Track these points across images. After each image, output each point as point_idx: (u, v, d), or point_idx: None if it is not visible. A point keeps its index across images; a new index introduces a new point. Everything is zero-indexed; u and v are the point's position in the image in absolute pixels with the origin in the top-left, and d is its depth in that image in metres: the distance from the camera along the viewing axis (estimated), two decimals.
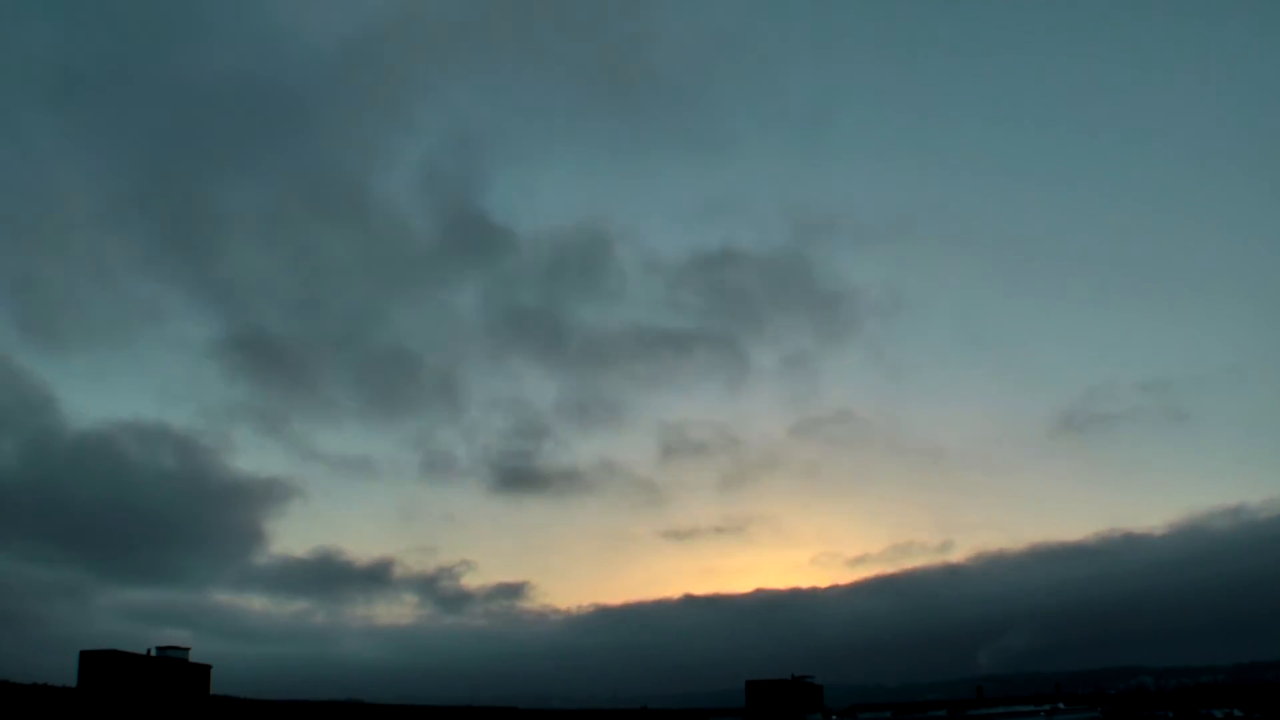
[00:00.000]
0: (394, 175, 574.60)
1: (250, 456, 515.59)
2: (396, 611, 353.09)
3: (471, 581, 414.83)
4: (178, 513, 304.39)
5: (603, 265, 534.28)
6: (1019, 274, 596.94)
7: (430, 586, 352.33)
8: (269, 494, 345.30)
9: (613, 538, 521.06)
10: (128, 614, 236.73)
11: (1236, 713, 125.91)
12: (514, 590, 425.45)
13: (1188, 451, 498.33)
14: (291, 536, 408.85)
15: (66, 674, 73.49)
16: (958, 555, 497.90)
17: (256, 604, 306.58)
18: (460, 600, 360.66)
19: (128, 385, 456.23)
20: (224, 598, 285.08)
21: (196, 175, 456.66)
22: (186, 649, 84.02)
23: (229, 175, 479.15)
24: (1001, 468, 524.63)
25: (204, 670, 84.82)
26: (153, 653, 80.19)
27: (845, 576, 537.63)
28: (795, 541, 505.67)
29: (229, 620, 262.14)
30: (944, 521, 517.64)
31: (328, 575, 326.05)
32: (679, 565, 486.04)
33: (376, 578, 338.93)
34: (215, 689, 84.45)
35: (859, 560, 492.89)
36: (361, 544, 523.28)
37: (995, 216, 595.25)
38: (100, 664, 73.98)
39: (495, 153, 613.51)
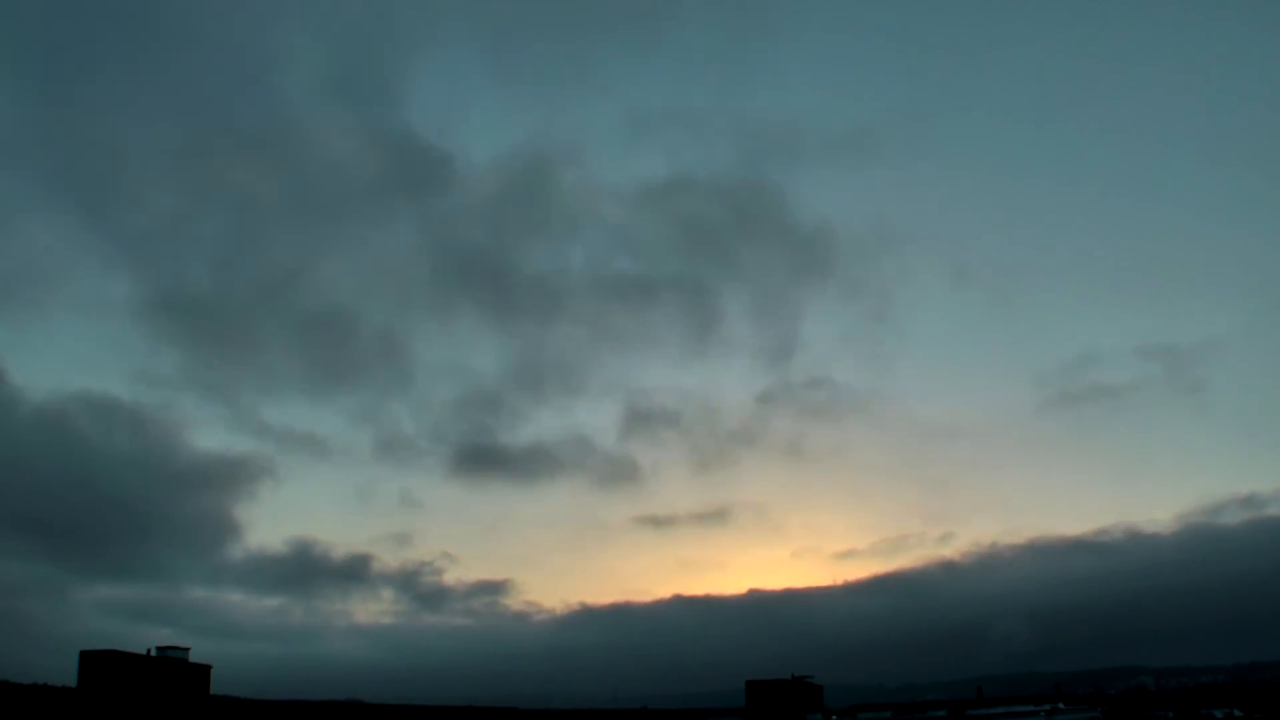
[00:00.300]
0: (302, 83, 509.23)
1: (209, 433, 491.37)
2: (376, 609, 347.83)
3: (450, 578, 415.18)
4: (140, 497, 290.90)
5: (550, 197, 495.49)
6: (1014, 201, 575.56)
7: (410, 583, 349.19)
8: (235, 476, 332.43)
9: (587, 525, 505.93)
10: (105, 610, 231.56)
11: (1236, 713, 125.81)
12: (496, 588, 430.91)
13: (1196, 430, 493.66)
14: (262, 524, 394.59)
15: (66, 674, 73.45)
16: (953, 549, 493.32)
17: (235, 600, 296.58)
18: (440, 597, 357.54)
19: (47, 351, 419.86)
20: (201, 593, 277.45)
21: (95, 104, 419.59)
22: (187, 649, 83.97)
23: (129, 102, 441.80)
24: (995, 448, 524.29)
25: (204, 670, 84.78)
26: (153, 653, 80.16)
27: (835, 573, 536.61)
28: (780, 532, 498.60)
29: (210, 617, 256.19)
30: (938, 511, 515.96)
31: (305, 570, 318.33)
32: (660, 558, 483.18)
33: (354, 573, 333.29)
34: (215, 689, 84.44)
35: (847, 555, 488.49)
36: (332, 533, 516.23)
37: (983, 135, 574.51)
38: (100, 664, 73.93)
39: (416, 60, 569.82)
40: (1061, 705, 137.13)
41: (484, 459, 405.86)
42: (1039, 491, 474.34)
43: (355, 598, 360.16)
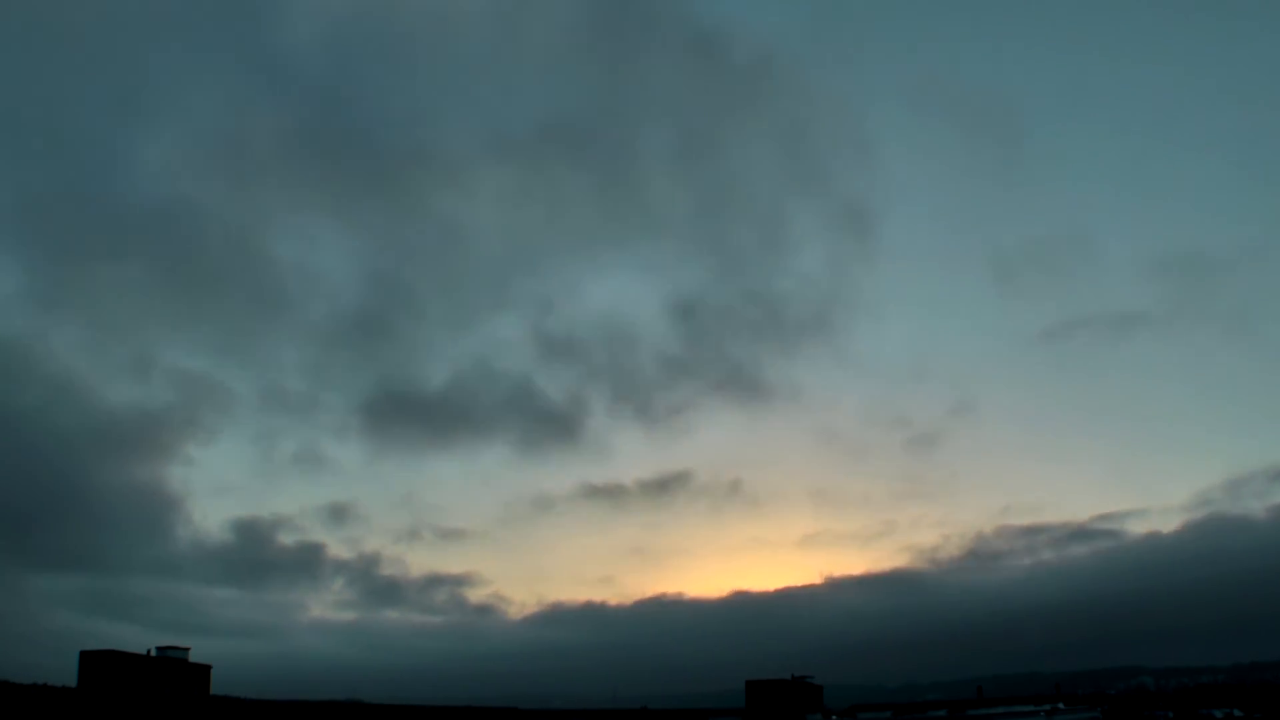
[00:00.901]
0: None
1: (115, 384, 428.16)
2: (329, 599, 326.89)
3: (407, 571, 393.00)
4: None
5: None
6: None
7: (366, 575, 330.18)
8: (157, 436, 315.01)
9: (526, 490, 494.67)
10: (50, 602, 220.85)
11: (1236, 713, 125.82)
12: (457, 580, 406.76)
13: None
14: (198, 499, 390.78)
15: (66, 674, 73.48)
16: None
17: (190, 593, 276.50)
18: (396, 590, 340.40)
19: None
20: (150, 584, 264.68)
21: None
22: (187, 649, 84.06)
23: None
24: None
25: (204, 670, 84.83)
26: (153, 653, 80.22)
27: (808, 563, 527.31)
28: (742, 507, 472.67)
29: (164, 610, 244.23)
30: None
31: (254, 558, 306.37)
32: (613, 536, 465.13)
33: (306, 563, 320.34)
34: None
35: (810, 538, 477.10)
36: (265, 503, 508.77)
37: None
38: (100, 664, 73.97)
39: None
40: (1061, 705, 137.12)
41: (393, 410, 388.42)
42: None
43: (309, 589, 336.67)
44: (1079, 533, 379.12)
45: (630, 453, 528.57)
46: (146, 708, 67.29)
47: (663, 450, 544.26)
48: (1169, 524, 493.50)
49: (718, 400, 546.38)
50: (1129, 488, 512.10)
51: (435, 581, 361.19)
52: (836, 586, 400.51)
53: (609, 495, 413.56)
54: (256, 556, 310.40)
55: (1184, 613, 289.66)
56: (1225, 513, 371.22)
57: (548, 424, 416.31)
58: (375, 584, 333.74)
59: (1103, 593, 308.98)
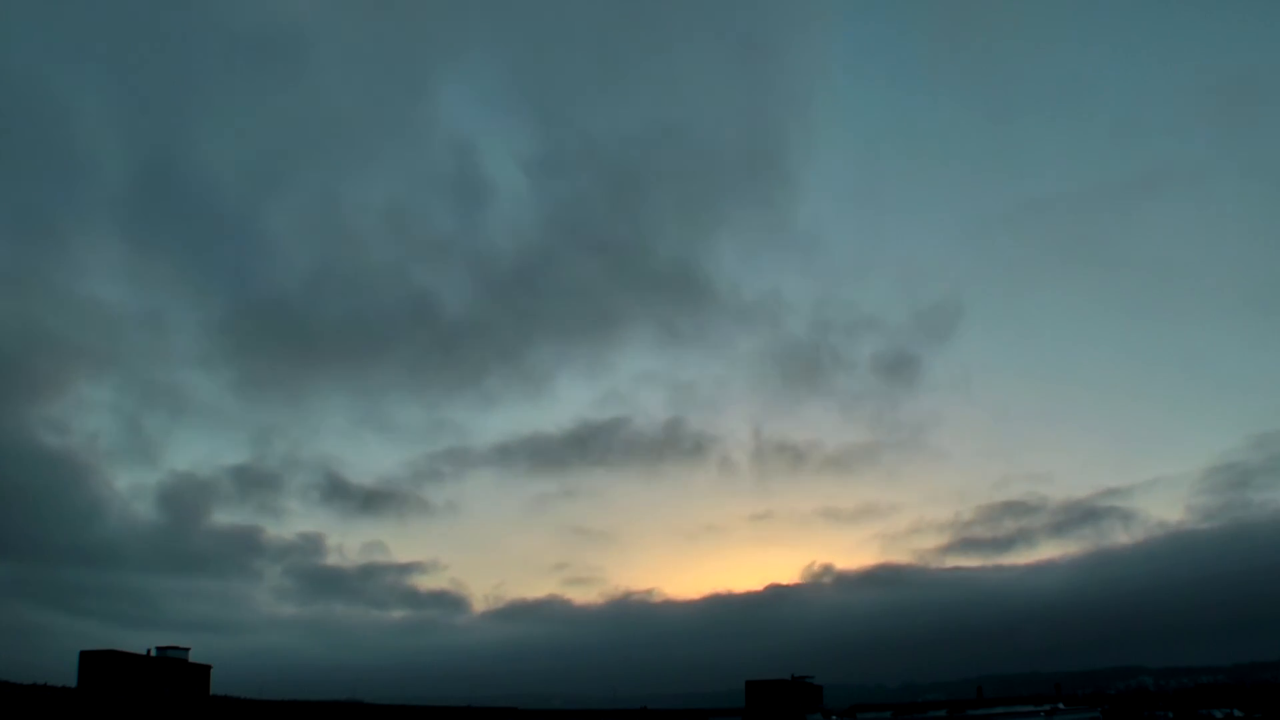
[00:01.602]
0: None
1: None
2: (272, 587, 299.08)
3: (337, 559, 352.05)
4: None
5: None
6: None
7: (305, 567, 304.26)
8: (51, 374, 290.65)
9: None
10: None
11: (1236, 713, 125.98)
12: (413, 569, 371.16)
13: None
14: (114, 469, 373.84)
15: (66, 674, 73.50)
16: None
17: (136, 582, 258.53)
18: (333, 580, 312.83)
19: None
20: (86, 574, 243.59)
21: None
22: (187, 649, 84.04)
23: None
24: None
25: (204, 670, 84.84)
26: (153, 653, 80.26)
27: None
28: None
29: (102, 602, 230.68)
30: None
31: (184, 542, 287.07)
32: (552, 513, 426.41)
33: (244, 546, 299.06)
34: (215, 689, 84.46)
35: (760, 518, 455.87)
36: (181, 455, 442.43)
37: None
38: (100, 664, 73.97)
39: None
40: (1061, 705, 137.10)
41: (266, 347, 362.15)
42: None
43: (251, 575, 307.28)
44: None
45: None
46: (146, 708, 67.31)
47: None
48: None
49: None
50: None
51: (380, 569, 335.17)
52: (780, 592, 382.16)
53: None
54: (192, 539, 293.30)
55: (1184, 613, 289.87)
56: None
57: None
58: (311, 574, 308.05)
59: (1103, 592, 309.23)
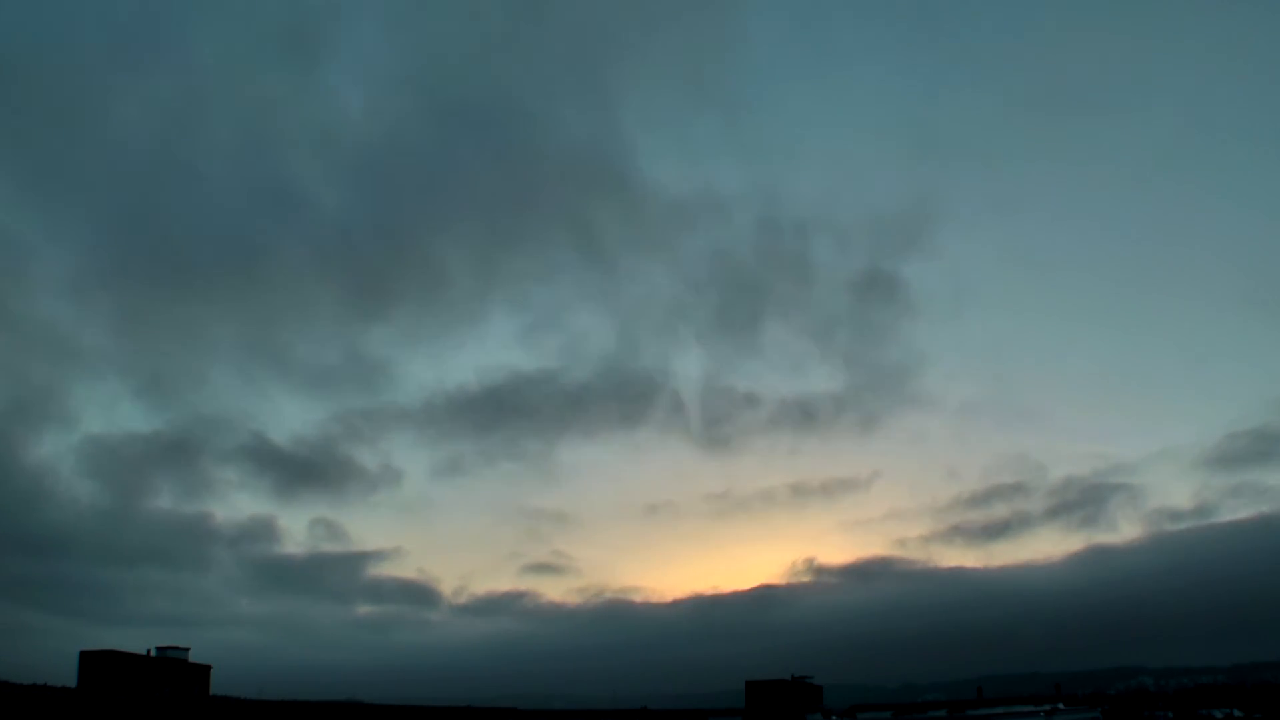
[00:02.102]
0: None
1: None
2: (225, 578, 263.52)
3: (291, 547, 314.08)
4: None
5: None
6: None
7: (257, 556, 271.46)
8: None
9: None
10: None
11: (1236, 713, 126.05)
12: (378, 557, 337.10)
13: None
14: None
15: (66, 674, 73.54)
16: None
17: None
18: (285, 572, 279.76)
19: None
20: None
21: None
22: (187, 649, 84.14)
23: None
24: None
25: (204, 670, 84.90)
26: (153, 653, 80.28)
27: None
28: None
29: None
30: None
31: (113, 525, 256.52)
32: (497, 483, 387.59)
33: (180, 531, 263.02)
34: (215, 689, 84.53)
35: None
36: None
37: None
38: (100, 664, 74.03)
39: None
40: (1061, 705, 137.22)
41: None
42: None
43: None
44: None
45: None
46: (146, 708, 67.33)
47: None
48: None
49: None
50: None
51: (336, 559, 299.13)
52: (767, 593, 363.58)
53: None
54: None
55: (1184, 613, 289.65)
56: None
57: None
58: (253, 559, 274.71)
59: (1103, 592, 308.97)
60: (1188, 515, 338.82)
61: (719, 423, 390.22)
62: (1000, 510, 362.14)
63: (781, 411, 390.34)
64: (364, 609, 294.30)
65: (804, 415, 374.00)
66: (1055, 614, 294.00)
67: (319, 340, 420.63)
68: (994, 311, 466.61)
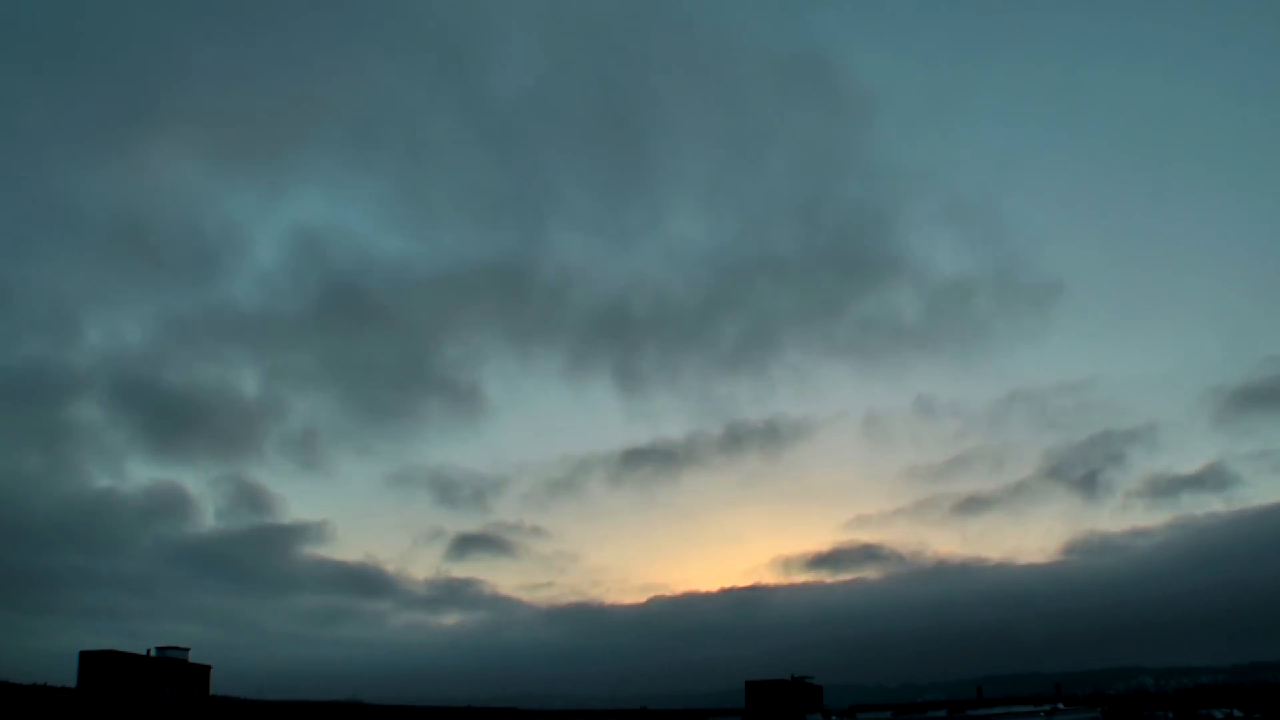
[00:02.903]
0: None
1: None
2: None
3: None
4: None
5: None
6: None
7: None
8: None
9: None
10: None
11: (1236, 713, 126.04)
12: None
13: None
14: None
15: (66, 674, 73.50)
16: None
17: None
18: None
19: None
20: None
21: None
22: (187, 649, 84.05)
23: None
24: None
25: (204, 670, 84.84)
26: (153, 653, 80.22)
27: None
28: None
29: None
30: None
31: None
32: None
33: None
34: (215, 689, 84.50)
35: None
36: None
37: None
38: (100, 664, 73.98)
39: None
40: (1061, 705, 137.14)
41: None
42: None
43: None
44: None
45: None
46: (146, 708, 67.32)
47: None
48: None
49: None
50: None
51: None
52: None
53: None
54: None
55: (1184, 613, 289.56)
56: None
57: None
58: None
59: (1103, 592, 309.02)
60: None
61: None
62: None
63: None
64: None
65: None
66: (1055, 614, 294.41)
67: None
68: None
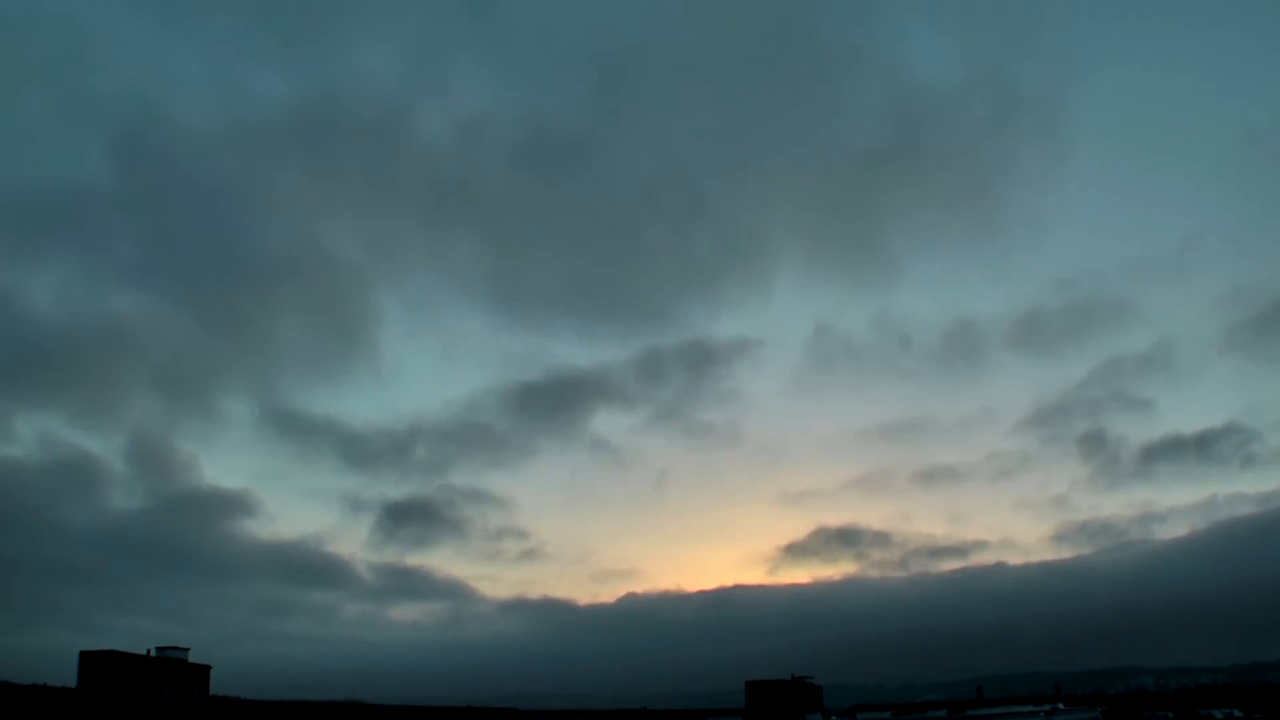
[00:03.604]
0: None
1: None
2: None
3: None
4: None
5: None
6: None
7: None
8: None
9: None
10: None
11: (1236, 713, 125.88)
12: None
13: None
14: None
15: (66, 674, 73.46)
16: None
17: None
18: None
19: None
20: None
21: None
22: (186, 649, 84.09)
23: None
24: None
25: (204, 670, 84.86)
26: (152, 653, 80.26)
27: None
28: None
29: None
30: None
31: None
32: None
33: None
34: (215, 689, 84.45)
35: None
36: None
37: None
38: (100, 664, 74.02)
39: None
40: (1061, 705, 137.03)
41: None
42: None
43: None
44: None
45: None
46: (146, 708, 67.32)
47: None
48: None
49: None
50: None
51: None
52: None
53: None
54: None
55: (1184, 613, 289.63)
56: None
57: None
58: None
59: (1103, 593, 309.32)
60: None
61: None
62: None
63: None
64: None
65: None
66: (1055, 614, 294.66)
67: None
68: None
